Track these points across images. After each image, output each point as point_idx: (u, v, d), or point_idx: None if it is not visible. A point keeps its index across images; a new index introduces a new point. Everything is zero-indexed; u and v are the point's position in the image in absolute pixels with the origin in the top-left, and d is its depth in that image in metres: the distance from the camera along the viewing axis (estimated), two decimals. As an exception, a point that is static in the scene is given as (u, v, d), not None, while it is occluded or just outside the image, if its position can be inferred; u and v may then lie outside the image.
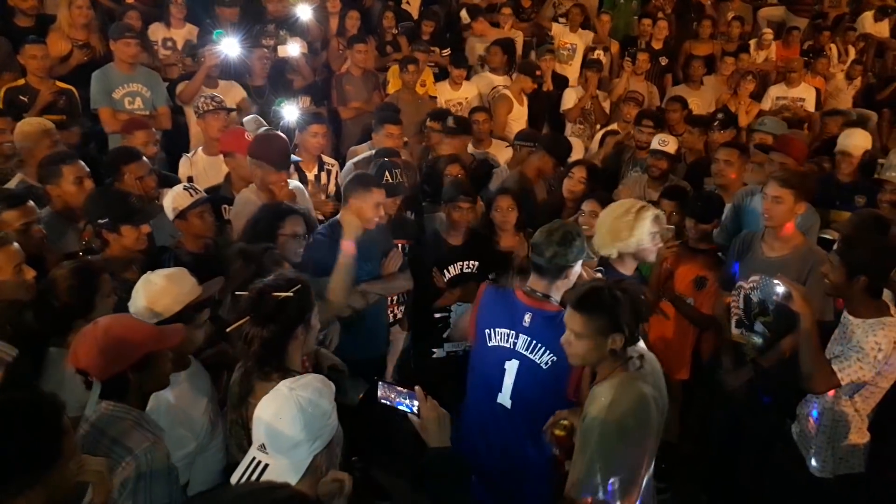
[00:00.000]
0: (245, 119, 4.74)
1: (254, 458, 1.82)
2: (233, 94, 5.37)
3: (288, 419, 1.81)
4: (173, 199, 3.42)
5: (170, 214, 3.44)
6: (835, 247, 3.05)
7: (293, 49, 5.65)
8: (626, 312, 2.26)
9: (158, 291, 2.48)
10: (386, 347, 3.97)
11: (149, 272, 2.59)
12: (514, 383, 2.66)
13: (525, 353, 2.65)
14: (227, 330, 2.46)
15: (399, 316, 4.02)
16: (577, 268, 2.72)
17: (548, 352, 2.61)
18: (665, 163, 4.75)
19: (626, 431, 2.22)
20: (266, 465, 1.80)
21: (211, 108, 4.51)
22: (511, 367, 2.66)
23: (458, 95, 6.56)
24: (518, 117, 6.40)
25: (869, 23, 8.91)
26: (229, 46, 5.26)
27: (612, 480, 2.23)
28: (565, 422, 2.50)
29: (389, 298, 3.88)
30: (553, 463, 2.58)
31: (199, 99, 4.64)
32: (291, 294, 2.32)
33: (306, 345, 2.44)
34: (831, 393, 2.90)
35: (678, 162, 5.37)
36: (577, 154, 5.02)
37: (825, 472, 3.02)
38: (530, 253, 2.74)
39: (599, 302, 2.28)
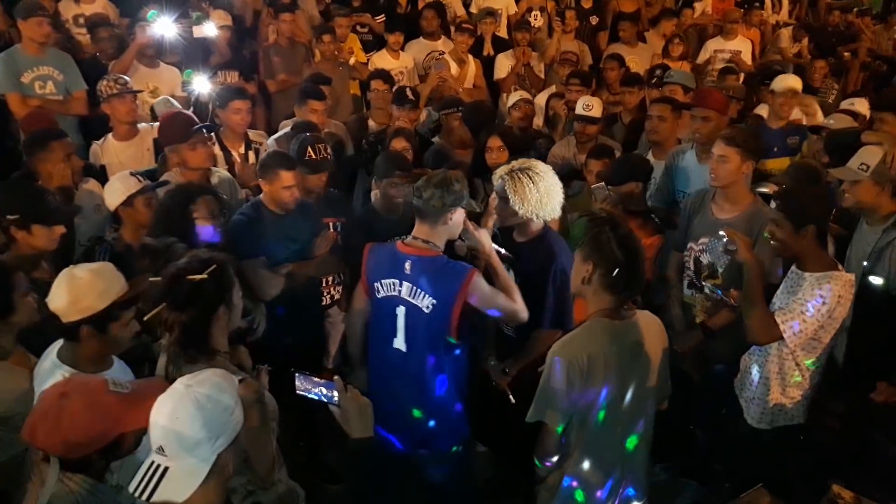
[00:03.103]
0: (154, 102, 4.51)
1: (153, 463, 1.68)
2: (171, 78, 5.21)
3: (185, 418, 1.67)
4: (120, 186, 3.22)
5: (114, 202, 3.23)
6: (773, 204, 2.98)
7: (209, 29, 5.40)
8: (599, 248, 2.33)
9: (83, 287, 2.31)
10: (321, 331, 3.87)
11: (72, 266, 2.41)
12: (405, 327, 2.78)
13: (408, 298, 2.76)
14: (144, 318, 2.34)
15: (337, 297, 3.91)
16: (459, 216, 2.79)
17: (427, 296, 2.72)
18: (592, 128, 4.68)
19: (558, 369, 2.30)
20: (166, 469, 1.67)
21: (115, 91, 4.24)
22: (400, 312, 2.78)
23: (398, 64, 6.31)
24: (468, 78, 6.25)
25: (802, -29, 8.97)
26: (164, 27, 4.99)
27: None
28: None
29: (325, 280, 3.78)
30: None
31: (101, 82, 4.33)
32: (206, 276, 2.21)
33: (231, 323, 2.34)
34: (774, 345, 2.91)
35: (614, 123, 5.32)
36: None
37: (762, 424, 3.04)
38: (413, 197, 2.79)
39: (584, 231, 2.43)
